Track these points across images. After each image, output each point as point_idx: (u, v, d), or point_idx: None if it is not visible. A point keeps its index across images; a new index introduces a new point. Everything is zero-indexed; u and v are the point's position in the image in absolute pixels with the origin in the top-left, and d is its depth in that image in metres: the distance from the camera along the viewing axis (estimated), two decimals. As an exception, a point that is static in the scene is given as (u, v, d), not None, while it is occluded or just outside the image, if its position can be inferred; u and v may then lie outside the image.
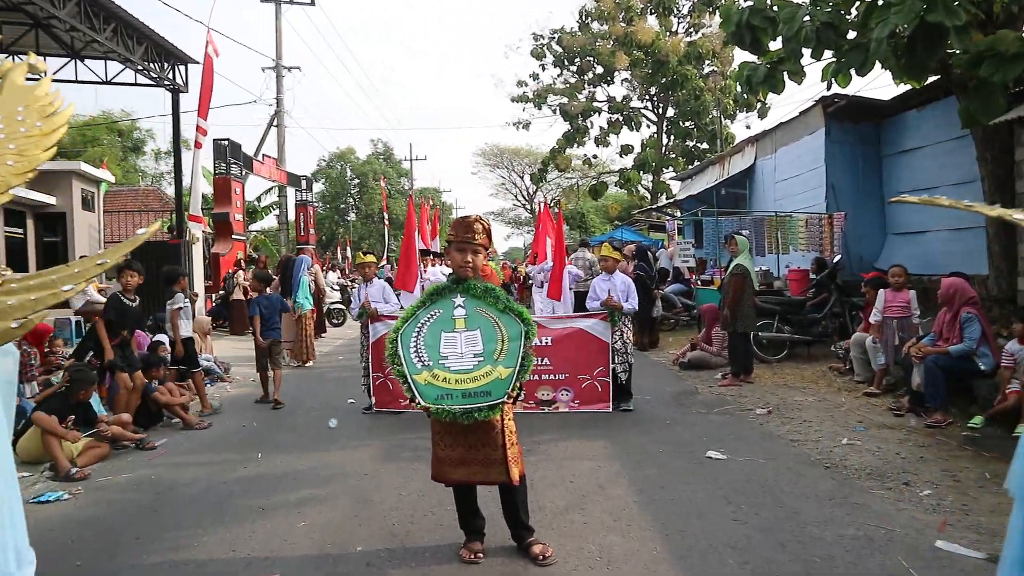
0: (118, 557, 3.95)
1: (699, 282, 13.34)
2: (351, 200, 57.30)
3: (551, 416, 7.27)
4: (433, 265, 12.29)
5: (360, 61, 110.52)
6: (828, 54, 8.92)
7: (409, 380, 3.58)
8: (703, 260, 15.37)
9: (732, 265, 8.78)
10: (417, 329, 3.73)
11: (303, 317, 11.67)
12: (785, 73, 9.50)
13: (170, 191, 29.66)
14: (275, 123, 28.84)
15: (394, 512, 4.50)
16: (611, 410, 7.28)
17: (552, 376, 7.36)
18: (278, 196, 29.59)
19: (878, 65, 8.20)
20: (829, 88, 9.42)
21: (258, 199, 29.85)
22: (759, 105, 30.17)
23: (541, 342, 7.32)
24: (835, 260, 11.35)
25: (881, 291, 7.81)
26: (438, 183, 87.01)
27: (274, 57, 28.49)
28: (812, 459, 5.48)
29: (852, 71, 8.61)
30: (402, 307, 9.17)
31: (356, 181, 56.53)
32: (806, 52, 9.02)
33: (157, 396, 7.43)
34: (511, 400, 3.55)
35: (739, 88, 31.89)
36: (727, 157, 17.98)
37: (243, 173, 21.36)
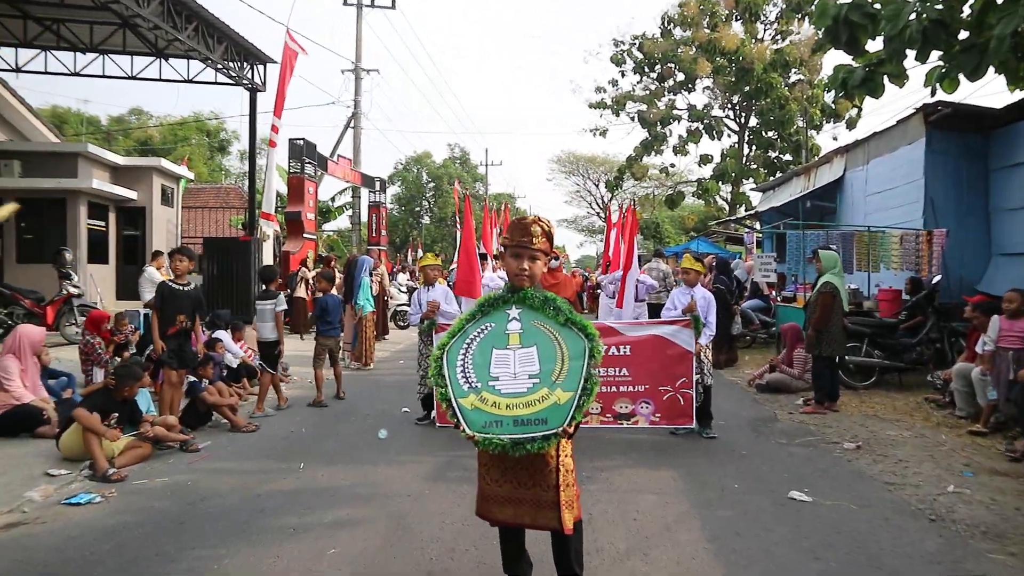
0: None
1: (779, 298, 12.50)
2: (426, 203, 57.76)
3: (617, 436, 6.73)
4: (494, 270, 11.88)
5: (437, 64, 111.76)
6: (934, 56, 8.10)
7: (454, 404, 3.05)
8: (783, 275, 14.48)
9: (820, 282, 8.05)
10: (465, 345, 3.21)
11: (363, 319, 11.46)
12: (885, 76, 8.72)
13: (249, 189, 30.32)
14: (352, 124, 29.12)
15: (434, 544, 4.07)
16: (695, 427, 6.69)
17: (631, 387, 6.77)
18: (352, 197, 29.83)
19: (991, 70, 7.37)
20: (933, 94, 8.51)
21: (332, 199, 30.17)
22: (848, 115, 28.77)
23: (619, 351, 6.78)
24: (934, 280, 10.41)
25: (995, 318, 6.96)
26: (513, 189, 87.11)
27: (353, 59, 28.76)
28: (912, 508, 4.78)
29: (961, 76, 7.78)
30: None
31: (431, 184, 57.02)
32: (910, 54, 8.23)
33: (205, 396, 7.23)
34: (569, 433, 3.04)
35: (832, 92, 30.51)
36: (813, 168, 16.98)
37: (317, 173, 21.48)
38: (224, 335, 9.38)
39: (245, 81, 17.22)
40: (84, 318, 10.76)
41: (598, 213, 58.69)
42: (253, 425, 7.29)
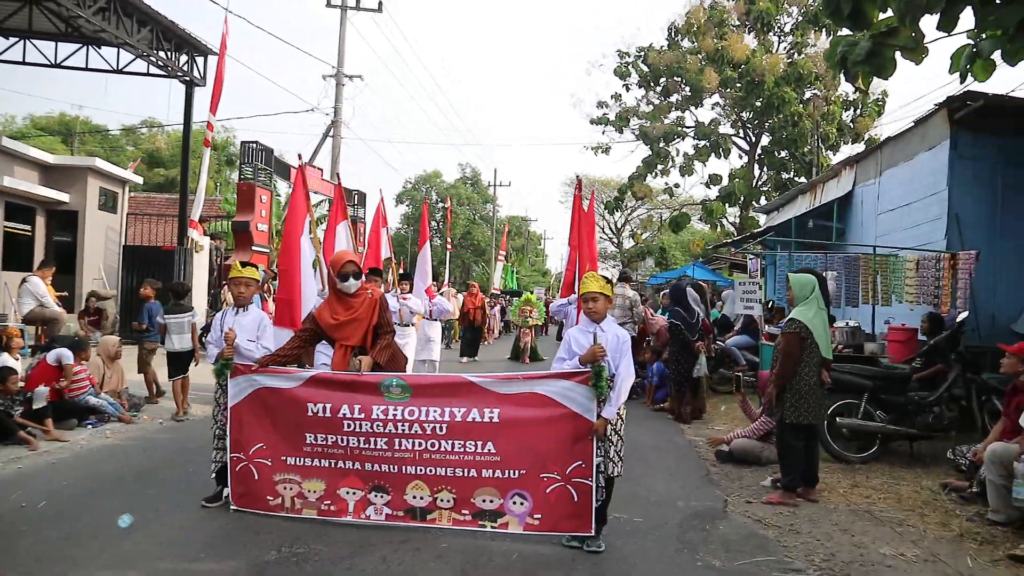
0: None
1: (765, 334, 10.21)
2: (434, 224, 56.15)
3: (469, 543, 4.51)
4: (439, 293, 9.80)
5: (430, 71, 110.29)
6: (963, 25, 5.88)
7: None
8: (779, 308, 12.16)
9: (785, 320, 5.81)
10: None
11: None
12: (896, 51, 6.49)
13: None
14: (331, 133, 27.39)
15: None
16: (593, 534, 4.45)
17: (499, 472, 4.58)
18: (328, 210, 27.97)
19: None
20: (963, 80, 6.28)
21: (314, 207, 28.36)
22: (869, 135, 26.44)
23: (481, 416, 4.60)
24: (958, 318, 8.10)
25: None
26: (525, 211, 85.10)
27: (334, 64, 27.10)
28: None
29: (998, 54, 5.56)
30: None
31: (441, 205, 55.50)
32: (931, 21, 6.02)
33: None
34: None
35: (851, 111, 28.35)
36: (819, 184, 14.71)
37: (272, 180, 19.62)
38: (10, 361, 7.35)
39: (180, 73, 15.39)
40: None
41: (611, 239, 56.79)
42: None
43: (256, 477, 4.91)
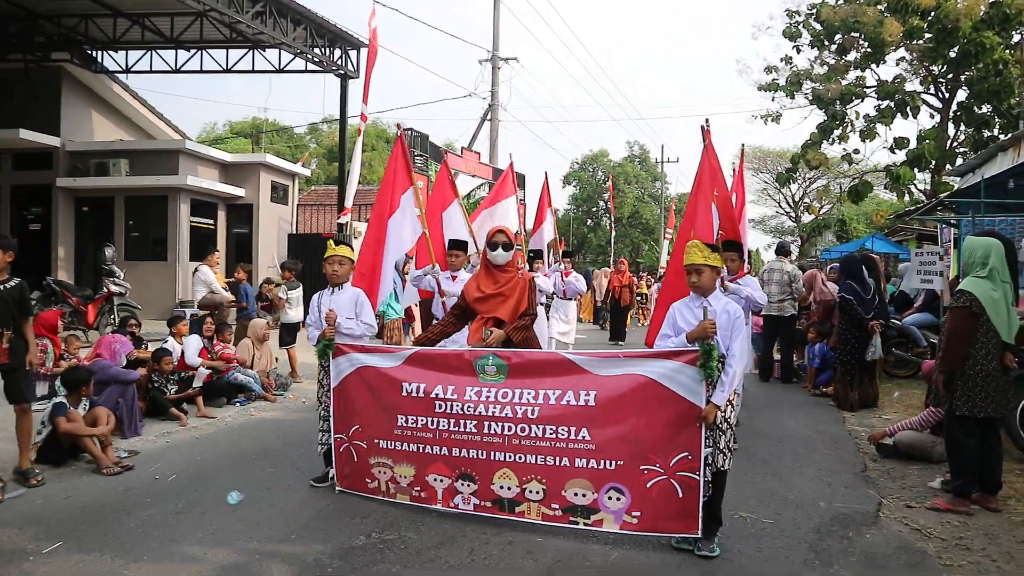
0: None
1: (945, 311, 8.80)
2: (602, 203, 55.67)
3: (561, 544, 4.13)
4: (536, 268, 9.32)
5: (587, 48, 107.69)
6: None
7: None
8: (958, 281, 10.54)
9: (956, 292, 4.84)
10: None
11: (386, 327, 9.52)
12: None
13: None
14: (488, 117, 27.71)
15: None
16: (704, 536, 3.94)
17: (594, 463, 4.15)
18: (488, 192, 28.37)
19: None
20: None
21: (467, 196, 28.93)
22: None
23: (576, 400, 4.19)
24: None
25: None
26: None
27: (490, 48, 27.36)
28: None
29: None
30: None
31: (607, 184, 54.99)
32: None
33: (58, 423, 5.54)
34: None
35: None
36: (1024, 137, 12.61)
37: (428, 166, 20.09)
38: (173, 345, 7.84)
39: (334, 68, 16.08)
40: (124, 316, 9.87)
41: (788, 213, 53.44)
42: (118, 467, 5.53)
43: (356, 459, 4.83)
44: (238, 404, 8.11)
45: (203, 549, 3.96)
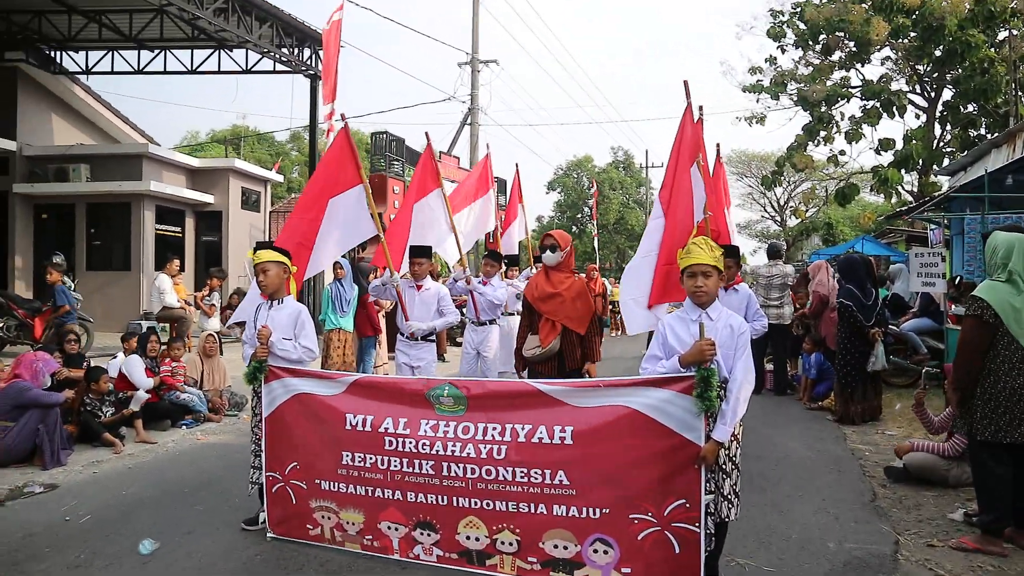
0: None
1: (953, 317, 8.25)
2: (587, 210, 55.27)
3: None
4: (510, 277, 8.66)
5: (570, 52, 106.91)
6: None
7: None
8: (969, 284, 10.01)
9: (969, 298, 4.23)
10: None
11: (323, 337, 8.82)
12: None
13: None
14: (468, 121, 27.12)
15: None
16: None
17: (575, 511, 3.51)
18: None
19: None
20: None
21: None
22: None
23: (549, 437, 3.54)
24: None
25: None
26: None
27: (469, 51, 26.78)
28: None
29: None
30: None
31: (592, 190, 54.58)
32: None
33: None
34: None
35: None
36: (1020, 132, 12.15)
37: (405, 170, 19.45)
38: (114, 363, 7.15)
39: (303, 68, 15.41)
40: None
41: (773, 217, 53.29)
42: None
43: (294, 501, 4.15)
44: (184, 427, 7.40)
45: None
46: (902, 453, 5.61)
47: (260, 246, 4.50)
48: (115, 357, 7.96)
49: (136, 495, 5.20)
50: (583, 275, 5.40)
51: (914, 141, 25.12)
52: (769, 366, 9.94)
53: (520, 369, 5.42)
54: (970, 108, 24.46)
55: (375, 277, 9.07)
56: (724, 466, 3.31)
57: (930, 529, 4.44)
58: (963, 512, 4.57)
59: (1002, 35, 23.17)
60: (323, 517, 4.06)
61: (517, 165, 9.75)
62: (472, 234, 8.82)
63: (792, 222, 45.20)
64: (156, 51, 16.11)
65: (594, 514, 3.46)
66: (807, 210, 35.78)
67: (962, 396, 4.12)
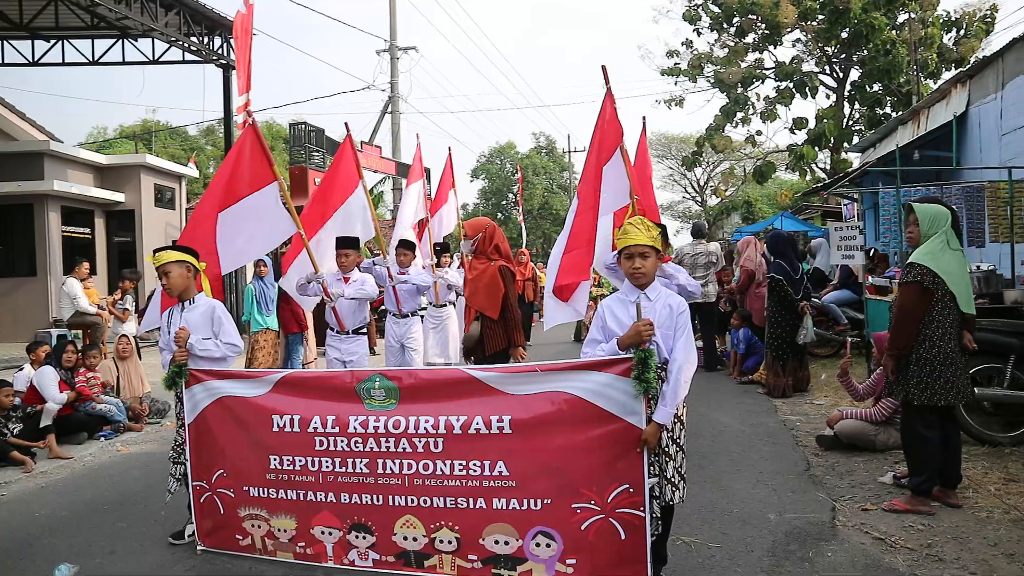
0: None
1: (870, 287, 8.57)
2: (511, 196, 55.21)
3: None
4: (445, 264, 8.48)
5: (490, 37, 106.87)
6: None
7: None
8: (883, 255, 10.43)
9: (905, 266, 4.35)
10: None
11: (254, 338, 8.51)
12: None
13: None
14: (389, 110, 26.63)
15: None
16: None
17: (515, 503, 3.41)
18: (392, 188, 27.36)
19: None
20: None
21: (371, 191, 27.81)
22: (975, 58, 23.50)
23: (487, 427, 3.43)
24: None
25: None
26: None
27: (387, 38, 26.24)
28: None
29: None
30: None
31: (517, 176, 54.53)
32: None
33: None
34: None
35: (952, 32, 25.37)
36: (923, 110, 12.71)
37: (325, 161, 18.94)
38: (20, 376, 6.69)
39: (214, 57, 14.77)
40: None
41: (694, 198, 54.48)
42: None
43: (222, 511, 3.94)
44: (102, 439, 6.99)
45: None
46: (834, 423, 5.76)
47: (158, 249, 4.21)
48: (21, 369, 7.48)
49: (50, 516, 4.86)
50: (502, 261, 5.23)
51: (826, 120, 26.04)
52: (698, 343, 10.11)
53: (466, 358, 5.44)
54: (876, 88, 25.49)
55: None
56: (667, 449, 3.28)
57: (863, 493, 4.57)
58: (892, 475, 4.72)
59: (902, 18, 24.22)
60: (253, 526, 3.86)
61: (450, 149, 9.52)
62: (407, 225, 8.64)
63: (712, 201, 46.39)
64: (53, 41, 15.14)
65: (535, 505, 3.38)
66: (727, 189, 36.67)
67: (897, 362, 4.22)
